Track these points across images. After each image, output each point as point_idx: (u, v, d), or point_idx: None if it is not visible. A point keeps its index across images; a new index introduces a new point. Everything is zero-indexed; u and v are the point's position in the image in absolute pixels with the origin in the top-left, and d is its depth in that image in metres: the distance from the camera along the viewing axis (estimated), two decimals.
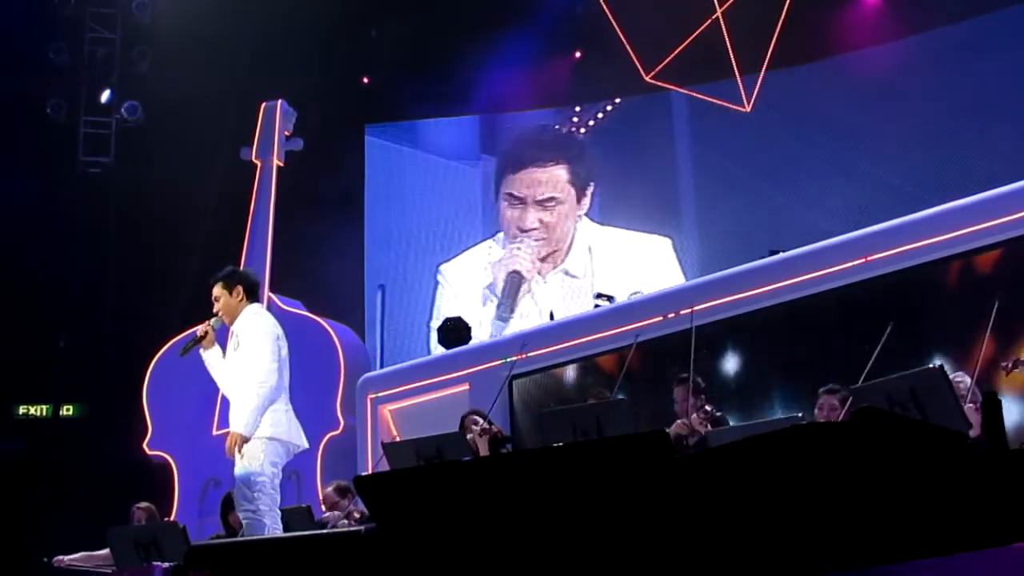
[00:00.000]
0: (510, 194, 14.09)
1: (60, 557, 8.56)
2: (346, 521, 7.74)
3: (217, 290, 6.30)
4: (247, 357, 6.09)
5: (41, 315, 13.62)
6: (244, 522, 6.00)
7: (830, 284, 7.97)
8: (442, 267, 14.44)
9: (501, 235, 14.32)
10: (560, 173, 14.09)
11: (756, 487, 2.89)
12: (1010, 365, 6.08)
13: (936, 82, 12.23)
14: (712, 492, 2.94)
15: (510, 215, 14.08)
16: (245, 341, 6.13)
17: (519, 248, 13.74)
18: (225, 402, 6.52)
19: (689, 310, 8.46)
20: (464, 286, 14.17)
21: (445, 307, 13.98)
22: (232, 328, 6.25)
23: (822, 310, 8.06)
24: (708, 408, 6.89)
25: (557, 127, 14.59)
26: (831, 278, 7.96)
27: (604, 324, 9.26)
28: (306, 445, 6.32)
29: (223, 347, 6.31)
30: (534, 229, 13.83)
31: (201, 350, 6.29)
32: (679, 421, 6.93)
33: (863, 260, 7.80)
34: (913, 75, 12.46)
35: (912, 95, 12.41)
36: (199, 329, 6.28)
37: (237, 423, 6.00)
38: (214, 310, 6.28)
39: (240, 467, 5.97)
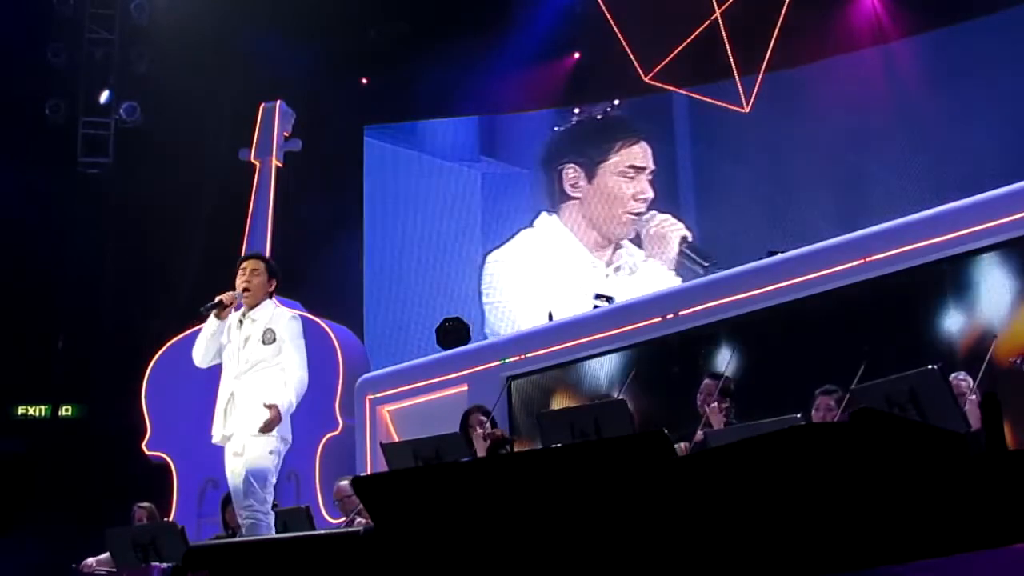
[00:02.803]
0: (631, 166, 14.05)
1: (88, 561, 8.48)
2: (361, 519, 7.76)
3: (258, 265, 6.19)
4: (288, 358, 6.05)
5: (40, 315, 13.61)
6: (248, 521, 5.90)
7: (829, 285, 7.97)
8: (493, 254, 14.43)
9: (543, 219, 14.37)
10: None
11: (755, 488, 2.89)
12: (1018, 361, 6.08)
13: (935, 83, 12.23)
14: (712, 493, 2.94)
15: (625, 190, 14.02)
16: (287, 340, 6.07)
17: (666, 219, 13.85)
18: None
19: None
20: (524, 271, 14.28)
21: (505, 292, 14.15)
22: (252, 315, 6.12)
23: (821, 311, 8.06)
24: (727, 406, 6.93)
25: (599, 116, 14.59)
26: (830, 279, 7.95)
27: (602, 325, 9.25)
28: None
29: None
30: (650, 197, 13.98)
31: (214, 315, 6.10)
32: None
33: (862, 261, 7.80)
34: (912, 76, 12.47)
35: (911, 96, 12.41)
36: (226, 296, 6.09)
37: (279, 398, 5.91)
38: (242, 281, 6.12)
39: (255, 463, 5.89)
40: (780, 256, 8.56)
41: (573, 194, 14.32)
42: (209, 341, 6.13)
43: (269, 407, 5.87)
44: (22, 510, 12.45)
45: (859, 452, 2.87)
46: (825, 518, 2.85)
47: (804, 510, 2.87)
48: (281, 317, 6.18)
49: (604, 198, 14.18)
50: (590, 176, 14.25)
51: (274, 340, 6.07)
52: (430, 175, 14.82)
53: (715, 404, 6.90)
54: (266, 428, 5.87)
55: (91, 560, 8.48)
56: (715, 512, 2.93)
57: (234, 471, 5.99)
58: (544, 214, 14.51)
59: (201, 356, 6.18)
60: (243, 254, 6.36)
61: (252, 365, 6.02)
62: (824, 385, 6.62)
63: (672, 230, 13.76)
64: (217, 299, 6.10)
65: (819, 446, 2.90)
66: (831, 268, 7.96)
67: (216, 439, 6.09)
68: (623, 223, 14.01)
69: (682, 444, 6.79)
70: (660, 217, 13.86)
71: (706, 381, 7.17)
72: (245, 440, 5.95)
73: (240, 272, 6.18)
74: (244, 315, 6.16)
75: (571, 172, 14.35)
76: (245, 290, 6.13)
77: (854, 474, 2.86)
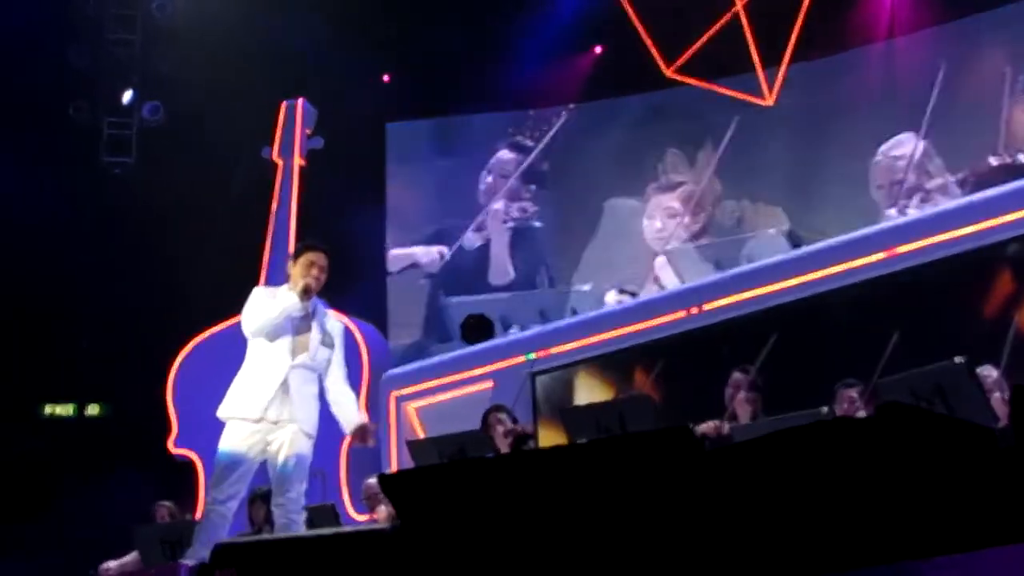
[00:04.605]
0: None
1: (107, 564, 8.53)
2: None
3: (327, 263, 6.06)
4: (338, 361, 6.12)
5: (65, 314, 13.71)
6: (281, 520, 5.82)
7: (853, 279, 7.94)
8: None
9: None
10: None
11: (781, 482, 2.89)
12: None
13: (965, 72, 12.11)
14: (737, 488, 2.94)
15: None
16: (337, 346, 6.12)
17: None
18: None
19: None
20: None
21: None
22: (313, 312, 6.06)
23: (844, 305, 8.04)
24: (756, 399, 6.91)
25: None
26: (854, 272, 7.93)
27: (627, 320, 9.25)
28: None
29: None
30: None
31: (300, 297, 5.97)
32: (710, 422, 6.92)
33: (886, 254, 7.77)
34: (940, 65, 12.37)
35: (939, 86, 12.30)
36: (313, 282, 5.99)
37: (356, 410, 6.24)
38: (313, 275, 6.00)
39: (305, 447, 5.91)
40: (804, 249, 8.54)
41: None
42: (283, 321, 5.95)
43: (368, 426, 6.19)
44: (47, 509, 12.55)
45: (885, 446, 2.87)
46: (851, 513, 2.85)
47: (829, 505, 2.87)
48: (337, 324, 6.20)
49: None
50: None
51: (332, 345, 6.09)
52: (454, 171, 14.81)
53: (743, 395, 6.88)
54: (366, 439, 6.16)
55: (112, 563, 8.51)
56: (740, 507, 2.94)
57: (253, 450, 5.88)
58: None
59: (263, 329, 5.95)
60: (303, 244, 6.21)
61: (315, 362, 6.01)
62: (845, 379, 6.61)
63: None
64: (304, 283, 5.98)
65: (845, 440, 2.90)
66: (856, 261, 7.93)
67: (247, 415, 5.90)
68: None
69: (711, 424, 6.79)
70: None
71: (735, 375, 7.15)
72: (293, 435, 5.89)
73: (311, 264, 6.03)
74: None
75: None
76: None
77: (880, 469, 2.86)
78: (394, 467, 9.86)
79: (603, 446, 3.70)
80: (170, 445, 12.31)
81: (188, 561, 5.54)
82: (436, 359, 11.09)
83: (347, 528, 7.18)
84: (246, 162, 13.51)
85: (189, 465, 12.25)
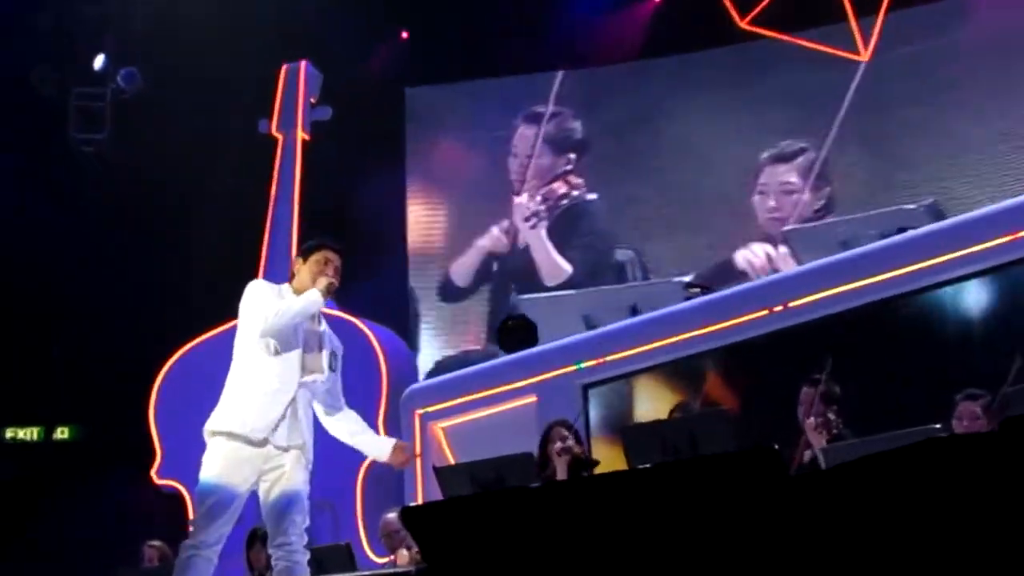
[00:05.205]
0: None
1: None
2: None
3: (341, 264, 6.08)
4: (339, 377, 6.12)
5: (29, 322, 13.83)
6: (281, 563, 5.84)
7: (971, 267, 7.85)
8: None
9: None
10: None
11: (886, 512, 2.87)
12: None
13: None
14: (834, 519, 2.92)
15: None
16: (338, 367, 6.12)
17: None
18: None
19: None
20: None
21: None
22: (324, 321, 6.13)
23: (962, 300, 7.95)
24: (832, 417, 6.82)
25: None
26: (974, 259, 7.83)
27: (697, 320, 9.20)
28: None
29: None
30: None
31: (322, 295, 5.92)
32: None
33: (1012, 237, 7.67)
34: None
35: None
36: (336, 283, 5.99)
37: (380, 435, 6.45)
38: (330, 273, 5.96)
39: (299, 491, 5.90)
40: (912, 233, 8.45)
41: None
42: (300, 323, 5.94)
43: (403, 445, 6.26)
44: (12, 545, 12.68)
45: (1009, 467, 2.84)
46: (969, 545, 2.83)
47: (944, 537, 2.85)
48: (340, 344, 6.20)
49: None
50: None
51: (336, 368, 6.08)
52: (482, 142, 14.82)
53: (811, 420, 6.79)
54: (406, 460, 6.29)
55: None
56: (840, 543, 2.92)
57: (248, 481, 5.86)
58: None
59: (279, 326, 5.88)
60: (319, 241, 6.21)
61: (325, 382, 6.00)
62: (967, 389, 6.53)
63: None
64: (329, 281, 5.96)
65: (961, 461, 2.87)
66: (976, 246, 7.82)
67: (250, 435, 5.87)
68: None
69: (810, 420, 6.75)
70: None
71: (804, 389, 7.06)
72: (295, 463, 5.88)
73: (327, 262, 6.01)
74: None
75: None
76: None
77: (1003, 493, 2.83)
78: (419, 499, 9.87)
79: (671, 471, 3.68)
80: (153, 475, 12.40)
81: None
82: (467, 370, 11.08)
83: (364, 572, 7.22)
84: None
85: (176, 497, 12.34)
